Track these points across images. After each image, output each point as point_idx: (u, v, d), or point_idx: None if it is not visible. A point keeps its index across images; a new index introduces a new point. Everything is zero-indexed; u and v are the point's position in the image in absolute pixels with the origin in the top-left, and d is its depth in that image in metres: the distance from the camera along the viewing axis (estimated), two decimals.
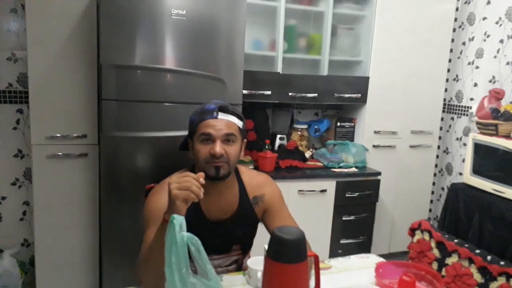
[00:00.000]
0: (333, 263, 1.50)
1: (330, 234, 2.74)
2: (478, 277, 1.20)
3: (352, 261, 1.52)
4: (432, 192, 3.42)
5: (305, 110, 3.15)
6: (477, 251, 1.22)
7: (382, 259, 1.51)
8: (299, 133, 2.97)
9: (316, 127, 2.98)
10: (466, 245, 1.25)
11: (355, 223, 2.80)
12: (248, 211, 1.40)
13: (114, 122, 2.04)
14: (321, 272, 1.35)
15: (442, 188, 3.44)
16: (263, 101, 2.71)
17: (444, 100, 3.32)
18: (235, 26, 2.16)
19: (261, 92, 2.64)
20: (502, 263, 1.16)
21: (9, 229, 2.56)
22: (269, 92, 2.67)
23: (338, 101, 2.88)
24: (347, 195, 2.73)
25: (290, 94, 2.73)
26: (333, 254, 2.71)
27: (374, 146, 2.98)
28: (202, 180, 1.06)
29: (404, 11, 2.88)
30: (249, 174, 1.46)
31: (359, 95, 2.87)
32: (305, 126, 3.00)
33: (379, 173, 2.82)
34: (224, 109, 1.30)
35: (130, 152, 2.08)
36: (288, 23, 2.72)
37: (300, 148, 2.92)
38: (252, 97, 2.61)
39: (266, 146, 2.67)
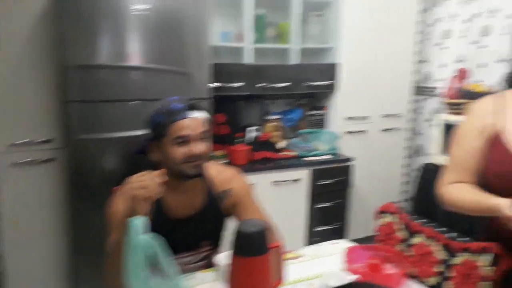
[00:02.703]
0: (305, 251, 1.51)
1: (305, 223, 2.77)
2: (442, 255, 1.23)
3: (324, 248, 1.54)
4: (405, 174, 3.48)
5: (278, 101, 3.14)
6: (441, 229, 1.25)
7: (353, 244, 1.53)
8: (272, 124, 2.96)
9: (289, 117, 2.98)
10: (431, 224, 1.27)
11: (330, 210, 2.83)
12: (215, 206, 1.39)
13: (80, 124, 2.00)
14: (291, 261, 1.37)
15: (415, 170, 3.50)
16: (234, 94, 2.69)
17: (413, 82, 3.36)
18: (201, 18, 2.15)
19: (231, 84, 2.62)
20: (464, 239, 1.18)
21: None
22: (240, 84, 2.65)
23: (310, 90, 2.89)
24: (321, 183, 2.75)
25: (261, 85, 2.71)
26: (310, 242, 2.74)
27: (346, 132, 3.00)
28: (165, 177, 1.05)
29: None
30: (216, 169, 1.45)
31: (330, 82, 2.88)
32: (278, 117, 2.99)
33: (352, 159, 2.85)
34: (193, 107, 1.28)
35: (99, 154, 2.04)
36: (257, 12, 2.69)
37: (275, 139, 2.92)
38: (223, 90, 2.58)
39: (239, 139, 2.66)
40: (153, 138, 1.29)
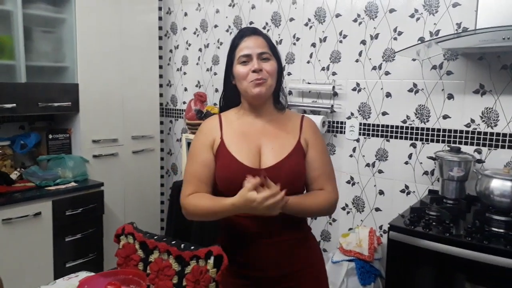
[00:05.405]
0: None
1: (52, 261, 2.45)
2: (176, 266, 1.27)
3: (57, 286, 1.37)
4: (162, 193, 3.57)
5: (5, 124, 2.70)
6: (173, 242, 1.28)
7: (91, 274, 1.42)
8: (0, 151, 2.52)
9: (22, 142, 2.59)
10: (164, 239, 1.30)
11: (82, 241, 2.59)
12: None
13: None
14: None
15: (171, 188, 3.63)
16: None
17: (161, 104, 3.50)
18: None
19: None
20: (192, 247, 1.25)
21: None
22: None
23: (45, 111, 2.59)
24: (68, 213, 2.50)
25: None
26: None
27: (94, 156, 2.83)
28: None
29: (108, 18, 2.85)
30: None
31: (69, 103, 2.66)
32: (7, 143, 2.56)
33: (102, 184, 2.70)
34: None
35: None
36: None
37: (4, 169, 2.48)
38: None
39: None
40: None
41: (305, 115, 1.48)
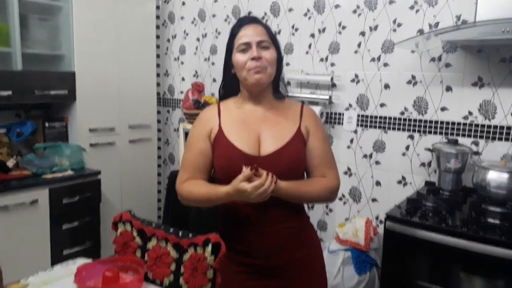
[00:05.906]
0: (32, 280, 1.31)
1: (49, 248, 2.45)
2: (173, 254, 1.28)
3: (55, 272, 1.38)
4: (159, 183, 3.57)
5: (1, 112, 2.68)
6: (171, 230, 1.29)
7: (89, 261, 1.42)
8: None
9: (18, 130, 2.58)
10: (163, 227, 1.30)
11: (79, 229, 2.60)
12: None
13: None
14: None
15: (168, 178, 3.63)
16: None
17: (158, 94, 3.48)
18: None
19: None
20: (190, 235, 1.25)
21: None
22: None
23: (41, 100, 2.58)
24: (65, 201, 2.50)
25: None
26: None
27: (91, 144, 2.83)
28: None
29: (105, 6, 2.82)
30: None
31: (66, 91, 2.65)
32: (3, 131, 2.55)
33: (99, 172, 2.70)
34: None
35: None
36: None
37: (0, 157, 2.47)
38: None
39: None
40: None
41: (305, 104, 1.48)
